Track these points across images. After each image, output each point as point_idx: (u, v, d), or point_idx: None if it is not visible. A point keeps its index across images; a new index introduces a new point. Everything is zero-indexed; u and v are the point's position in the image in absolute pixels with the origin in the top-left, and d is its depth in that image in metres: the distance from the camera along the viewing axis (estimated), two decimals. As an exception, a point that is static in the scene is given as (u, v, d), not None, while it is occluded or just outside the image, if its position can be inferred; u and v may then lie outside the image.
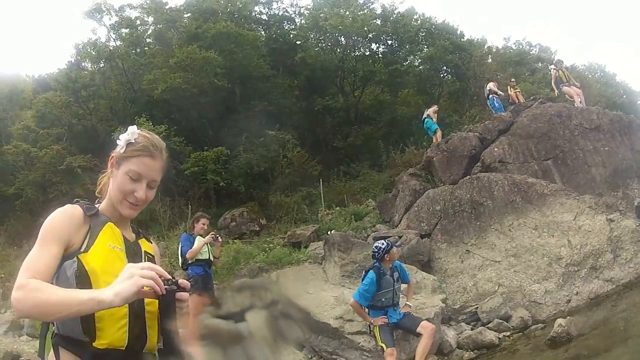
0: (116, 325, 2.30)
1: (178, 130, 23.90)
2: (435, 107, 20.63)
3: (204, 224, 9.94)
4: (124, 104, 28.32)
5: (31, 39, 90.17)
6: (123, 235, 2.59)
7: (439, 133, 19.22)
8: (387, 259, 8.54)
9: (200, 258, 9.65)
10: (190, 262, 9.58)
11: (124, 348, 2.34)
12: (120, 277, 2.09)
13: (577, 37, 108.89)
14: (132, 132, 2.57)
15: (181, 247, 9.84)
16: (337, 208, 20.00)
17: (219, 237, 10.11)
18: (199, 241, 9.64)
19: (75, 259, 2.32)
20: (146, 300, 2.37)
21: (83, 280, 2.28)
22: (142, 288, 2.08)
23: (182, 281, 2.29)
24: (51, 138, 26.30)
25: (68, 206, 2.49)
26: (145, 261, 2.57)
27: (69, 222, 2.41)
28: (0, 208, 25.70)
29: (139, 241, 2.72)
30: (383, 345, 8.04)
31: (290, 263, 14.24)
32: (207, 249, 9.76)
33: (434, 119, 19.78)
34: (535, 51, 41.12)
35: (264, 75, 27.96)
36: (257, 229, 20.12)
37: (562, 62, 20.52)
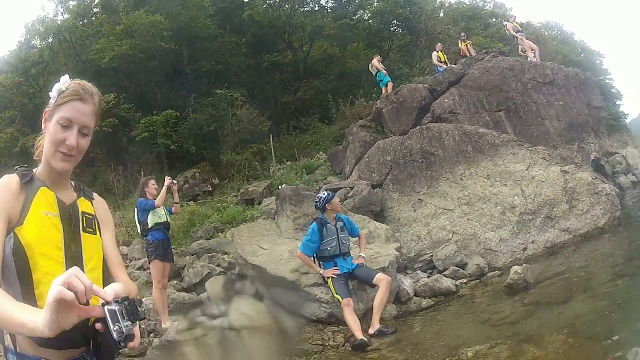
0: None
1: (127, 98, 23.91)
2: (377, 58, 20.75)
3: (153, 185, 9.83)
4: (72, 77, 27.63)
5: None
6: (58, 199, 2.46)
7: (390, 85, 19.32)
8: (329, 208, 8.81)
9: (160, 222, 9.53)
10: (150, 227, 9.46)
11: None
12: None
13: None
14: (64, 82, 2.49)
15: (138, 212, 9.73)
16: (289, 163, 20.13)
17: (175, 181, 10.08)
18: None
19: (12, 234, 2.24)
20: (88, 266, 2.38)
21: (20, 256, 2.21)
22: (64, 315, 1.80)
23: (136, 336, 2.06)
24: (5, 122, 26.02)
25: (4, 177, 2.40)
26: (83, 223, 2.50)
27: (4, 195, 2.31)
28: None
29: (78, 201, 2.58)
30: (338, 297, 8.16)
31: (244, 221, 14.22)
32: (164, 213, 9.65)
33: (383, 70, 19.86)
34: (490, 7, 41.27)
35: (211, 35, 27.80)
36: (211, 189, 20.22)
37: (515, 17, 20.83)
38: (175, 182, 10.17)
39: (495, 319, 7.49)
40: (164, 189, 9.63)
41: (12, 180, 2.39)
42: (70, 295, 1.76)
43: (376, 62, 20.24)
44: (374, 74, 20.40)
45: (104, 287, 2.20)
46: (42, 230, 2.29)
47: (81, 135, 2.44)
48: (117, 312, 1.90)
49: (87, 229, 2.51)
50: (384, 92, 19.14)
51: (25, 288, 2.19)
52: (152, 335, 9.01)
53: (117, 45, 24.29)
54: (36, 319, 1.82)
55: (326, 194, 9.01)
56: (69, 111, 2.40)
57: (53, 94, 2.46)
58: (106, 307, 1.90)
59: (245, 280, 10.81)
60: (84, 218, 2.53)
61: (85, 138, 2.47)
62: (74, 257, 2.36)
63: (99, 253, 2.54)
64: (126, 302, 1.93)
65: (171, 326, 8.94)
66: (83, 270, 2.17)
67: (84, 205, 2.59)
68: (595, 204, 11.32)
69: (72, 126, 2.40)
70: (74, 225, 2.44)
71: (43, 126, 2.49)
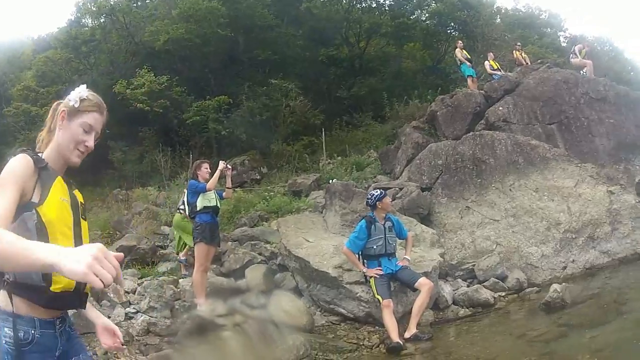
0: None
1: (180, 81, 24.12)
2: (459, 45, 20.27)
3: (206, 169, 9.72)
4: (125, 56, 28.43)
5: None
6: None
7: (469, 81, 18.79)
8: (380, 207, 8.81)
9: (209, 205, 9.42)
10: (198, 210, 9.39)
11: (72, 289, 2.65)
12: (82, 255, 1.83)
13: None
14: (84, 90, 2.93)
15: (188, 194, 9.78)
16: (339, 158, 20.07)
17: (229, 165, 10.05)
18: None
19: (33, 211, 2.58)
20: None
21: (41, 231, 2.56)
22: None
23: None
24: (51, 96, 26.30)
25: (22, 155, 2.70)
26: (81, 209, 2.96)
27: (25, 170, 2.63)
28: (0, 169, 25.96)
29: (74, 192, 2.97)
30: (379, 297, 8.17)
31: (290, 212, 14.21)
32: (214, 197, 9.57)
33: (465, 61, 19.42)
34: (545, 16, 40.77)
35: (268, 24, 27.76)
36: (258, 177, 20.37)
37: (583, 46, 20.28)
38: (230, 167, 10.12)
39: (530, 335, 7.40)
40: (217, 172, 9.53)
41: (29, 160, 2.68)
42: (99, 273, 1.81)
43: (458, 51, 19.77)
44: (458, 64, 19.95)
45: None
46: (60, 213, 2.71)
47: (94, 139, 2.96)
48: None
49: (82, 215, 2.96)
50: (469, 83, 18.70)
51: None
52: (185, 315, 9.05)
53: (172, 28, 24.69)
54: (61, 263, 1.82)
55: (379, 191, 9.03)
56: (92, 119, 2.91)
57: (74, 97, 2.88)
58: None
59: (286, 271, 10.82)
60: (81, 207, 3.00)
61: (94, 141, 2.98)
62: (78, 237, 2.81)
63: (88, 235, 2.99)
64: None
65: (206, 305, 8.94)
66: None
67: (79, 196, 3.04)
68: (637, 228, 11.10)
69: (91, 132, 2.92)
70: (77, 211, 2.89)
71: (59, 122, 2.88)
